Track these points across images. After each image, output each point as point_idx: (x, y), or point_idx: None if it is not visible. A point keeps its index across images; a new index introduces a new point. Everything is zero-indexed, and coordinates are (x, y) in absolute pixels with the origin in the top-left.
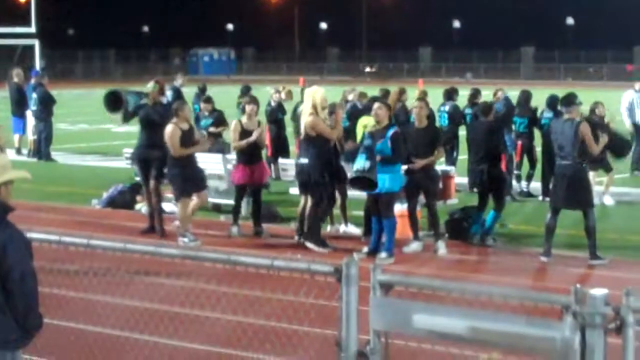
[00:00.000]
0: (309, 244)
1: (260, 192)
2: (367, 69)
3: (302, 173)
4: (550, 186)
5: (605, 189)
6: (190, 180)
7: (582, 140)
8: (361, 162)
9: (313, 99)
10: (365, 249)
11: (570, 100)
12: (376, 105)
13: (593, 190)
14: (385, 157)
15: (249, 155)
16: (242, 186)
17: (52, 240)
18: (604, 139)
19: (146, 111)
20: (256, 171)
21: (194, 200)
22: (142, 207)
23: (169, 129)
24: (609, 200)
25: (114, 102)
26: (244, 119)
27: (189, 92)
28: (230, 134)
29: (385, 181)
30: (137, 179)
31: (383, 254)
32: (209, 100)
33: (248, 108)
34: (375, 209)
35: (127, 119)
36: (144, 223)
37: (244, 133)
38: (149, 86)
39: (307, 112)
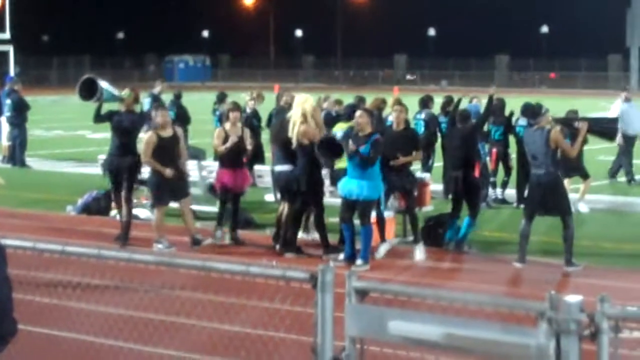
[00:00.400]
0: (289, 254)
1: (239, 198)
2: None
3: (283, 180)
4: (525, 194)
5: (581, 195)
6: (168, 189)
7: (555, 148)
8: (336, 135)
9: (303, 108)
10: (341, 257)
11: (535, 112)
12: (358, 113)
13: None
14: (363, 160)
15: (232, 161)
16: (226, 190)
17: (26, 247)
18: (583, 128)
19: (119, 118)
20: (239, 177)
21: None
22: (117, 213)
23: (147, 135)
24: (583, 208)
25: (88, 89)
26: (228, 126)
27: (165, 98)
28: (214, 141)
29: (363, 188)
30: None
31: (359, 261)
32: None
33: (232, 115)
34: (348, 216)
35: (98, 118)
36: (119, 229)
37: (227, 140)
38: (124, 93)
39: (297, 121)
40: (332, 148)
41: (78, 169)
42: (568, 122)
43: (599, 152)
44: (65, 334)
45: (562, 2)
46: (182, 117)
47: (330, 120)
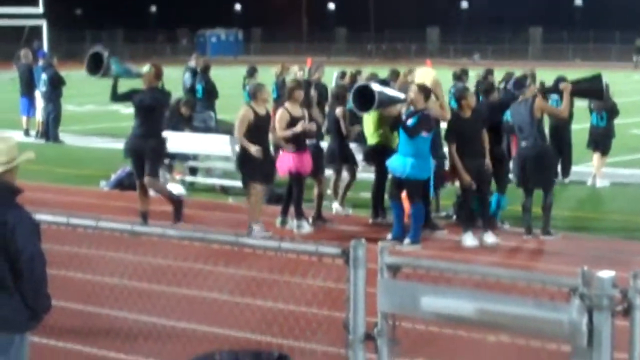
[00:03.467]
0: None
1: (304, 181)
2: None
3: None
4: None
5: (597, 171)
6: (259, 169)
7: (540, 118)
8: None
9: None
10: (389, 236)
11: (520, 83)
12: (412, 88)
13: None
14: (405, 131)
15: (298, 143)
16: (294, 175)
17: (60, 222)
18: (566, 89)
19: (141, 96)
20: (305, 159)
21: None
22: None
23: (241, 110)
24: (601, 183)
25: (95, 63)
26: (289, 106)
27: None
28: (276, 124)
29: (410, 166)
30: None
31: (407, 240)
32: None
33: (296, 94)
34: (396, 193)
35: (115, 97)
36: (152, 205)
37: (293, 121)
38: (145, 69)
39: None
40: (366, 96)
41: (111, 145)
42: (553, 89)
43: (632, 126)
44: (99, 310)
45: None
46: (210, 92)
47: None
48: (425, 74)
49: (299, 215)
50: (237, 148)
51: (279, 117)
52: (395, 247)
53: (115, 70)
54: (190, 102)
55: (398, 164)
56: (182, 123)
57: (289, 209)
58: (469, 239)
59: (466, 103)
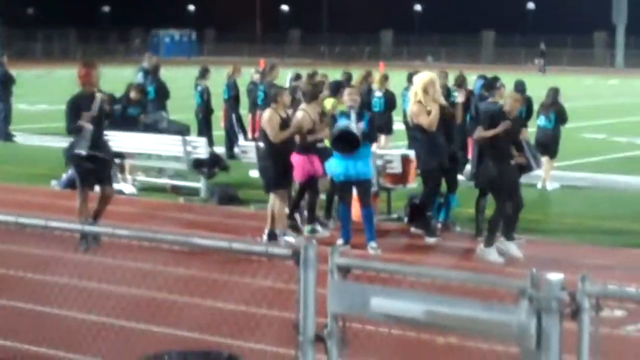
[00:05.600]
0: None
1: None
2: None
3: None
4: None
5: (546, 174)
6: (283, 174)
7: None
8: (344, 122)
9: (415, 87)
10: (340, 241)
11: (492, 84)
12: (349, 91)
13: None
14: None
15: (308, 146)
16: (308, 179)
17: (9, 222)
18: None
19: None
20: (315, 162)
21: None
22: None
23: (267, 114)
24: (551, 185)
25: None
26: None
27: (163, 74)
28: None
29: (363, 167)
30: None
31: (374, 244)
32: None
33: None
34: (347, 197)
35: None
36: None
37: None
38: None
39: (411, 100)
40: (349, 140)
41: (63, 144)
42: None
43: (582, 130)
44: (48, 309)
45: None
46: (161, 92)
47: None
48: (419, 78)
49: (313, 219)
50: (254, 153)
51: (270, 120)
52: (371, 251)
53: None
54: (140, 87)
55: (347, 167)
56: (131, 120)
57: (314, 215)
58: (492, 254)
59: None
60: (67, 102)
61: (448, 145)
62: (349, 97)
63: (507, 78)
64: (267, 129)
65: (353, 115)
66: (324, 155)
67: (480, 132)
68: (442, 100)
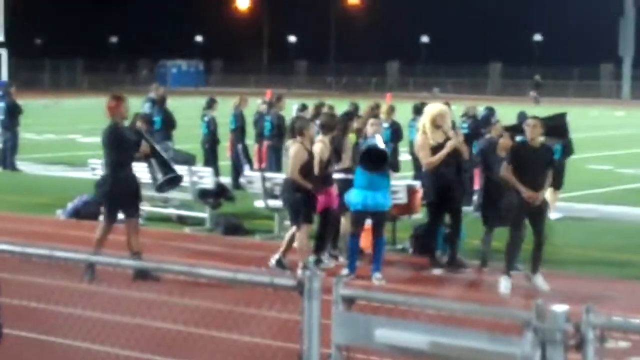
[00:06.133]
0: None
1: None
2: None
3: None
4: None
5: (551, 205)
6: (312, 206)
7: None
8: (372, 140)
9: (424, 119)
10: (346, 271)
11: (487, 120)
12: (372, 121)
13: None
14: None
15: (326, 178)
16: (326, 211)
17: (15, 252)
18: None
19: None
20: (333, 194)
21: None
22: None
23: (294, 148)
24: (554, 215)
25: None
26: (304, 143)
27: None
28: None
29: (382, 198)
30: None
31: (379, 275)
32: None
33: (311, 131)
34: (360, 228)
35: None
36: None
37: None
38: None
39: (419, 132)
40: (377, 156)
41: (68, 173)
42: (517, 128)
43: (588, 161)
44: (53, 339)
45: (555, 10)
46: (167, 122)
47: None
48: (428, 110)
49: (321, 250)
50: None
51: (295, 156)
52: (375, 282)
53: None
54: (147, 117)
55: (366, 198)
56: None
57: (324, 247)
58: (503, 284)
59: None
60: (109, 133)
61: (459, 179)
62: (373, 127)
63: (508, 110)
64: (289, 163)
65: (379, 138)
66: (343, 186)
67: (506, 171)
68: (452, 134)
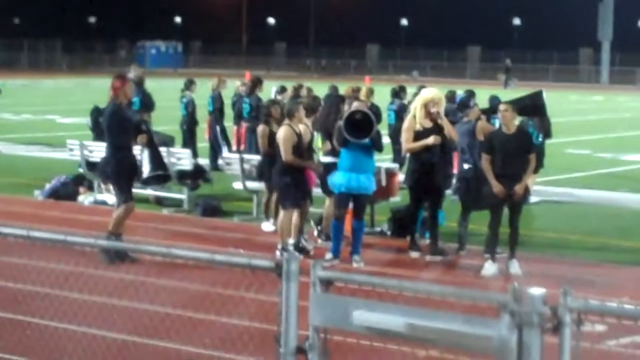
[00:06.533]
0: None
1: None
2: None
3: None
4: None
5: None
6: (301, 189)
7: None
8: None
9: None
10: (329, 255)
11: (464, 104)
12: (357, 103)
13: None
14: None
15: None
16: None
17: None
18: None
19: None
20: (310, 175)
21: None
22: (85, 198)
23: (282, 131)
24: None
25: None
26: (292, 125)
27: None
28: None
29: (365, 180)
30: (81, 170)
31: (357, 257)
32: None
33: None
34: (343, 210)
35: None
36: (87, 215)
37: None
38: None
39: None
40: (362, 120)
41: (47, 154)
42: (493, 110)
43: (566, 145)
44: (29, 319)
45: None
46: (146, 104)
47: None
48: (426, 92)
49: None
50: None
51: (285, 138)
52: (354, 264)
53: None
54: None
55: (351, 180)
56: None
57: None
58: (489, 269)
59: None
60: (112, 113)
61: (442, 163)
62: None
63: (487, 94)
64: (281, 147)
65: None
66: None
67: (484, 161)
68: (445, 122)
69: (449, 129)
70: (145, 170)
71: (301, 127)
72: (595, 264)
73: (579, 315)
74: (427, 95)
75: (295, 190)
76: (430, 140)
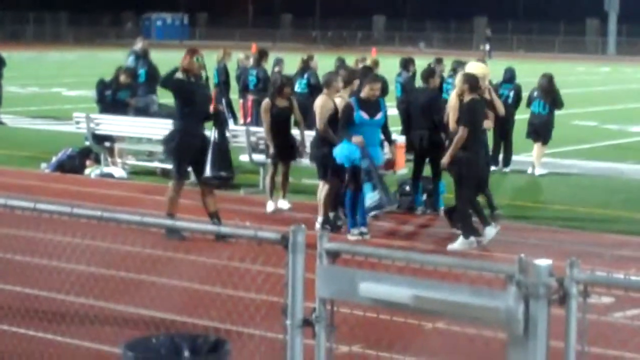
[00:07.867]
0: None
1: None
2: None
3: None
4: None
5: (537, 160)
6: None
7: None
8: (372, 195)
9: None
10: (358, 230)
11: (433, 71)
12: (371, 85)
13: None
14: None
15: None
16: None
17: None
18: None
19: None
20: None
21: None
22: (91, 171)
23: (319, 100)
24: (540, 171)
25: None
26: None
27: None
28: (263, 116)
29: (373, 152)
30: (87, 143)
31: (364, 229)
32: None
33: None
34: (357, 183)
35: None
36: (93, 187)
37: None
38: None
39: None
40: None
41: (53, 127)
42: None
43: (573, 117)
44: (37, 292)
45: None
46: (152, 76)
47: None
48: (475, 67)
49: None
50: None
51: (322, 107)
52: (360, 236)
53: None
54: (130, 70)
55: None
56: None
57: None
58: (490, 232)
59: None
60: (181, 84)
61: (433, 133)
62: (372, 89)
63: (496, 65)
64: (317, 116)
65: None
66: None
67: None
68: (494, 97)
69: (498, 105)
70: (211, 169)
71: (337, 100)
72: (603, 235)
73: (586, 287)
74: (473, 71)
75: (334, 161)
76: (486, 124)
